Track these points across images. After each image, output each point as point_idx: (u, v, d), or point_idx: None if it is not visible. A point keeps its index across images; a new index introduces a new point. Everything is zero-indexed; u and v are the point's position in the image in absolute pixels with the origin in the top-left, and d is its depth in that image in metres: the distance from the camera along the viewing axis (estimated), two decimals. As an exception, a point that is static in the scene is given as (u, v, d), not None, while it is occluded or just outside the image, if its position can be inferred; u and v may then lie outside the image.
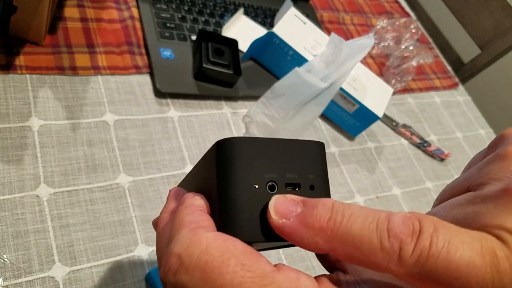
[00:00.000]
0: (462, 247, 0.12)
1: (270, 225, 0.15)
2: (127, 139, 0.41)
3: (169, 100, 0.45)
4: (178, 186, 0.23)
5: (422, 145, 0.59)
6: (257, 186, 0.16)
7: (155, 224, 0.20)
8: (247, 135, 0.47)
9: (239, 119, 0.48)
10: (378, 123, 0.59)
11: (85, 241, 0.34)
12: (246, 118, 0.49)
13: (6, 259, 0.31)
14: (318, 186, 0.17)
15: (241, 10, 0.55)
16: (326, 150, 0.52)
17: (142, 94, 0.44)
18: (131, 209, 0.37)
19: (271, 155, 0.17)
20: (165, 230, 0.17)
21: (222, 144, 0.16)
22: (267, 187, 0.16)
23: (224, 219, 0.16)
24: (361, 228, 0.13)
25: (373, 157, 0.55)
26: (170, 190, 0.20)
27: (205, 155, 0.18)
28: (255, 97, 0.49)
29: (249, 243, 0.15)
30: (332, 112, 0.54)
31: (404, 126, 0.60)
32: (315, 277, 0.15)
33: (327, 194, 0.18)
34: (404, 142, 0.59)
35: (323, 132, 0.53)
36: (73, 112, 0.40)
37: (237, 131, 0.47)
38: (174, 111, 0.45)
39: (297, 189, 0.17)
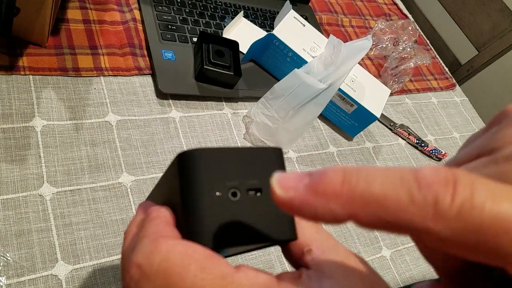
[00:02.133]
0: (508, 199, 0.10)
1: (276, 202, 0.13)
2: (129, 139, 0.41)
3: (170, 101, 0.46)
4: (147, 199, 0.23)
5: (420, 145, 0.60)
6: (218, 194, 0.17)
7: (124, 234, 0.20)
8: (247, 135, 0.48)
9: (239, 120, 0.49)
10: (376, 123, 0.60)
11: (88, 240, 0.34)
12: (246, 118, 0.49)
13: (9, 258, 0.31)
14: None
15: (241, 13, 0.56)
16: (325, 150, 0.52)
17: (144, 95, 0.45)
18: (133, 208, 0.37)
19: (231, 163, 0.17)
20: (131, 243, 0.17)
21: (184, 156, 0.17)
22: (230, 194, 0.17)
23: (189, 228, 0.16)
24: (382, 184, 0.11)
25: (371, 157, 0.55)
26: (139, 205, 0.20)
27: (169, 167, 0.18)
28: (255, 98, 0.50)
29: (217, 250, 0.16)
30: (331, 112, 0.55)
31: (402, 126, 0.61)
32: (277, 275, 0.16)
33: None
34: (402, 142, 0.60)
35: (322, 132, 0.54)
36: (76, 112, 0.40)
37: (238, 131, 0.48)
38: (175, 111, 0.45)
39: (258, 193, 0.17)
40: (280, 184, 0.13)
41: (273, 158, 0.18)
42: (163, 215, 0.17)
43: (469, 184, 0.10)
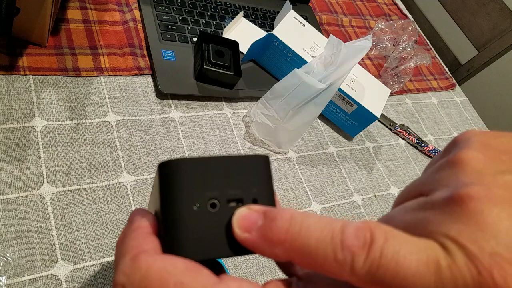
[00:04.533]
0: (410, 257, 0.13)
1: (235, 238, 0.16)
2: (129, 139, 0.41)
3: (170, 101, 0.46)
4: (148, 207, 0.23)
5: (420, 145, 0.60)
6: (197, 205, 0.16)
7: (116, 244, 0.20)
8: (247, 135, 0.48)
9: (239, 120, 0.49)
10: (376, 123, 0.60)
11: (88, 240, 0.34)
12: (246, 118, 0.49)
13: (9, 258, 0.31)
14: (262, 199, 0.18)
15: (241, 13, 0.56)
16: (325, 150, 0.52)
17: (144, 95, 0.45)
18: (133, 208, 0.37)
19: (212, 173, 0.17)
20: (116, 256, 0.18)
21: (163, 166, 0.17)
22: (209, 205, 0.17)
23: (168, 240, 0.16)
24: (317, 240, 0.14)
25: (371, 157, 0.55)
26: (133, 212, 0.20)
27: (155, 175, 0.18)
28: (255, 98, 0.50)
29: (199, 261, 0.16)
30: (331, 112, 0.55)
31: (402, 126, 0.61)
32: (266, 283, 0.16)
33: (272, 205, 0.18)
34: (402, 142, 0.60)
35: (322, 132, 0.54)
36: (76, 112, 0.40)
37: (237, 131, 0.48)
38: (175, 111, 0.45)
39: (239, 204, 0.17)
40: (239, 224, 0.16)
41: (259, 166, 0.18)
42: (143, 225, 0.17)
43: (381, 245, 0.13)
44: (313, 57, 0.51)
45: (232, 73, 0.48)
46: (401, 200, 0.17)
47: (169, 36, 0.49)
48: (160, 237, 0.17)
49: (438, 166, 0.16)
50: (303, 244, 0.14)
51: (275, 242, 0.15)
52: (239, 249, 0.17)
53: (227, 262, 0.38)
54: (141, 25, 0.49)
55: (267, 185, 0.18)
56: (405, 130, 0.60)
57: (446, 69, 0.77)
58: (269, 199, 0.18)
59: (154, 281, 0.14)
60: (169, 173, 0.17)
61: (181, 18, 0.52)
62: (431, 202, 0.14)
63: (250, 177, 0.18)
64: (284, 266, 0.18)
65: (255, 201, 0.17)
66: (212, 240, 0.16)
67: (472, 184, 0.13)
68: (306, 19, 0.63)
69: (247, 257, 0.39)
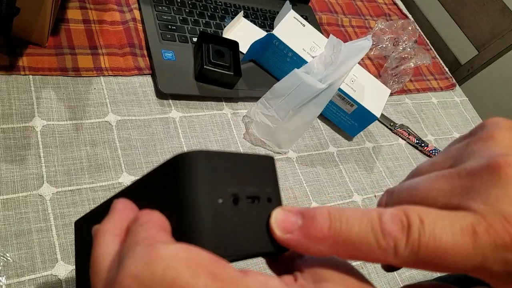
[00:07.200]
0: (445, 232, 0.14)
1: (276, 240, 0.16)
2: (129, 139, 0.41)
3: (170, 101, 0.46)
4: (118, 195, 0.19)
5: (420, 145, 0.60)
6: (221, 200, 0.16)
7: (96, 233, 0.16)
8: (247, 135, 0.48)
9: (239, 120, 0.49)
10: (376, 123, 0.60)
11: (88, 240, 0.34)
12: (246, 118, 0.49)
13: (9, 258, 0.31)
14: (274, 199, 0.18)
15: (241, 13, 0.56)
16: (325, 150, 0.52)
17: (144, 95, 0.45)
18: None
19: (230, 168, 0.16)
20: (107, 248, 0.15)
21: (183, 159, 0.16)
22: (231, 200, 0.16)
23: (191, 234, 0.15)
24: (359, 231, 0.15)
25: (371, 157, 0.55)
26: (117, 201, 0.18)
27: (160, 169, 0.17)
28: (255, 98, 0.50)
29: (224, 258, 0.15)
30: (331, 112, 0.55)
31: (402, 126, 0.61)
32: (280, 276, 0.16)
33: (280, 205, 0.18)
34: (402, 142, 0.60)
35: (322, 132, 0.54)
36: (76, 112, 0.40)
37: (237, 131, 0.48)
38: (175, 111, 0.45)
39: (256, 202, 0.17)
40: (279, 226, 0.16)
41: (267, 166, 0.18)
42: (156, 220, 0.15)
43: (418, 227, 0.14)
44: (313, 57, 0.51)
45: (232, 73, 0.48)
46: (422, 172, 0.18)
47: (169, 36, 0.49)
48: (175, 236, 0.15)
49: (467, 142, 0.17)
50: (346, 237, 0.15)
51: (319, 239, 0.15)
52: (260, 247, 0.16)
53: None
54: (141, 25, 0.49)
55: (276, 185, 0.18)
56: (405, 130, 0.60)
57: (446, 69, 0.77)
58: (279, 199, 0.18)
59: (183, 272, 0.12)
60: (191, 165, 0.16)
61: (181, 18, 0.52)
62: (466, 170, 0.15)
63: (262, 176, 0.17)
64: (282, 262, 0.18)
65: (269, 200, 0.17)
66: (235, 237, 0.16)
67: (508, 154, 0.14)
68: (306, 19, 0.63)
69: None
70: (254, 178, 0.17)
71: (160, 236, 0.14)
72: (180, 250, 0.13)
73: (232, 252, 0.16)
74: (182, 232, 0.15)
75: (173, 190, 0.16)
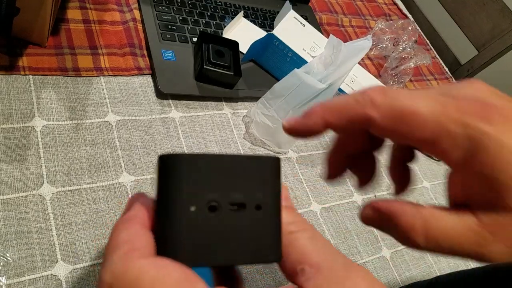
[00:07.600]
0: (420, 97, 0.16)
1: (285, 131, 0.19)
2: (129, 139, 0.41)
3: (170, 101, 0.46)
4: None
5: (420, 146, 0.60)
6: (195, 207, 0.15)
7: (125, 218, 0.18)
8: (247, 135, 0.48)
9: (239, 120, 0.49)
10: (376, 123, 0.60)
11: (88, 240, 0.34)
12: (246, 118, 0.49)
13: (9, 258, 0.31)
14: (266, 205, 0.16)
15: (241, 13, 0.56)
16: (325, 150, 0.52)
17: (144, 95, 0.45)
18: (133, 208, 0.37)
19: (216, 173, 0.16)
20: (109, 244, 0.17)
21: (163, 160, 0.16)
22: (207, 208, 0.15)
23: (162, 241, 0.15)
24: (343, 100, 0.18)
25: (371, 157, 0.55)
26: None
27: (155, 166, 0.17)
28: (255, 98, 0.50)
29: (192, 266, 0.15)
30: (331, 112, 0.55)
31: (402, 126, 0.61)
32: None
33: (277, 213, 0.17)
34: (402, 142, 0.60)
35: (322, 133, 0.54)
36: (76, 112, 0.40)
37: (237, 131, 0.48)
38: (175, 111, 0.45)
39: (241, 209, 0.16)
40: (288, 121, 0.19)
41: (268, 169, 0.17)
42: (140, 215, 0.16)
43: (395, 91, 0.17)
44: (313, 57, 0.51)
45: (232, 73, 0.48)
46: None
47: (169, 36, 0.49)
48: (154, 233, 0.16)
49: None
50: (333, 106, 0.18)
51: (313, 113, 0.18)
52: (239, 257, 0.16)
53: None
54: (141, 25, 0.49)
55: (273, 190, 0.17)
56: (405, 130, 0.60)
57: (446, 69, 0.77)
58: (274, 206, 0.17)
59: None
60: (169, 167, 0.16)
61: (181, 18, 0.52)
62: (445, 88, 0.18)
63: (256, 180, 0.16)
64: (287, 275, 0.17)
65: (258, 208, 0.16)
66: (210, 246, 0.15)
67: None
68: (306, 19, 0.63)
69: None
70: (245, 182, 0.16)
71: (139, 238, 0.15)
72: (151, 266, 0.14)
73: (203, 263, 0.15)
74: (157, 233, 0.16)
75: (155, 191, 0.16)
